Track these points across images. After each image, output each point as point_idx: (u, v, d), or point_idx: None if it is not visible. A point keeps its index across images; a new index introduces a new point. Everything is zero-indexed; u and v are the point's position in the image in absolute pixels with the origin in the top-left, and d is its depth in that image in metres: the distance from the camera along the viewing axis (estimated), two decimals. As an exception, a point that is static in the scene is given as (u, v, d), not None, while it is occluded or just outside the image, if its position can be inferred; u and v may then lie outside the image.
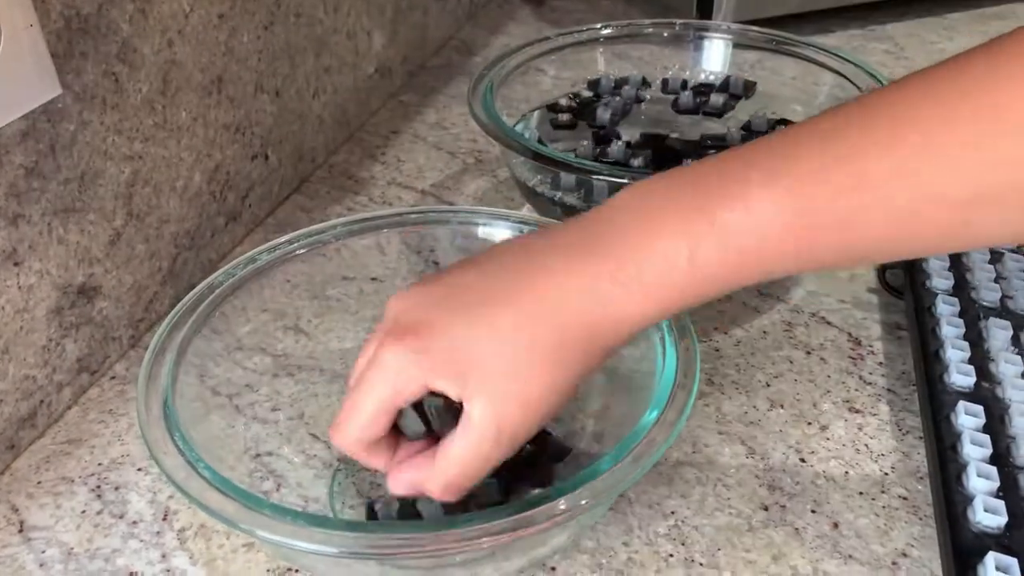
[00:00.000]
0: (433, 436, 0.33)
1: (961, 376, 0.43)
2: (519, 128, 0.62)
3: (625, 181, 0.49)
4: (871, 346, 0.50)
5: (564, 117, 0.64)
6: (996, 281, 0.49)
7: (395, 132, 0.75)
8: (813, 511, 0.40)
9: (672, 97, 0.67)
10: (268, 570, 0.38)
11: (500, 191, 0.66)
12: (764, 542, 0.39)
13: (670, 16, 0.70)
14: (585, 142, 0.60)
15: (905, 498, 0.41)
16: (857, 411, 0.45)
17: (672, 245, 0.30)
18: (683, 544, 0.39)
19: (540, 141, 0.61)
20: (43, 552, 0.39)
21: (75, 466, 0.43)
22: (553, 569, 0.38)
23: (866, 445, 0.43)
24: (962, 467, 0.38)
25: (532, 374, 0.31)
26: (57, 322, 0.44)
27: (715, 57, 0.68)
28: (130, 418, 0.46)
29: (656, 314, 0.31)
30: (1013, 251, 0.52)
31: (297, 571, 0.38)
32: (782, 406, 0.46)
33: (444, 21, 0.91)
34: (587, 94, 0.67)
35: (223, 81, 0.55)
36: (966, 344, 0.44)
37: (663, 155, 0.58)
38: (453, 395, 0.31)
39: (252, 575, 0.38)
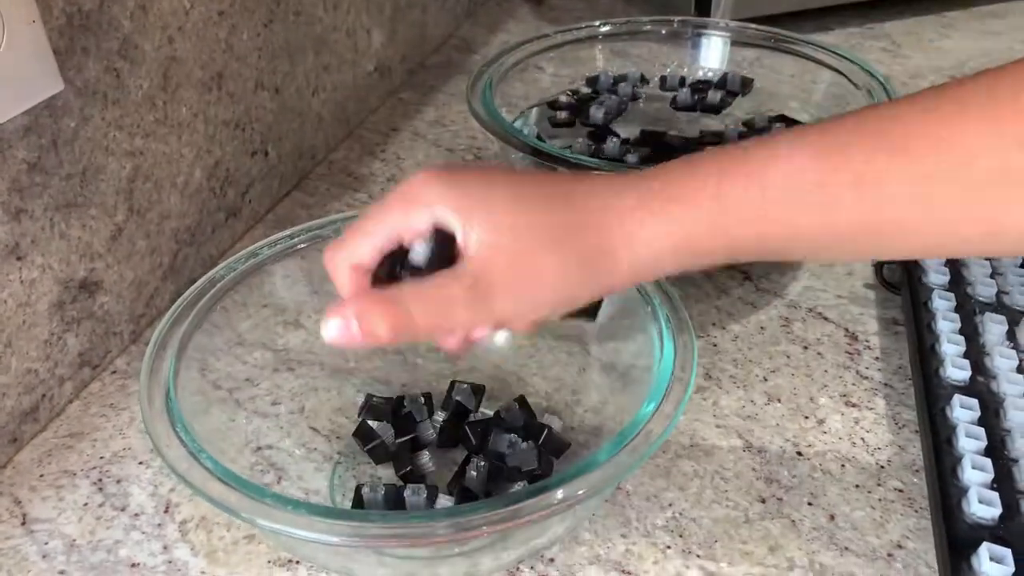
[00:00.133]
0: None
1: (957, 370, 0.43)
2: (518, 125, 0.62)
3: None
4: (868, 341, 0.50)
5: (562, 115, 0.64)
6: (992, 277, 0.49)
7: (394, 129, 0.75)
8: (810, 503, 0.40)
9: (670, 94, 0.67)
10: (269, 561, 0.38)
11: (499, 188, 0.66)
12: (761, 534, 0.39)
13: (669, 14, 0.71)
14: (581, 139, 0.60)
15: (901, 490, 0.41)
16: (853, 405, 0.46)
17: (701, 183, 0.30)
18: (681, 536, 0.39)
19: (539, 137, 0.61)
20: (46, 544, 0.39)
21: (77, 459, 0.44)
22: (552, 560, 0.38)
23: (862, 439, 0.44)
24: (957, 459, 0.39)
25: (534, 242, 0.30)
26: (59, 316, 0.45)
27: (713, 54, 0.68)
28: (131, 412, 0.46)
29: (670, 247, 0.30)
30: (1009, 247, 0.52)
31: (297, 562, 0.38)
32: (779, 400, 0.46)
33: (443, 19, 0.91)
34: (586, 91, 0.67)
35: (223, 78, 0.55)
36: (962, 339, 0.45)
37: (661, 151, 0.59)
38: (457, 229, 0.30)
39: (253, 566, 0.38)
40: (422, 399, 0.43)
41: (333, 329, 0.32)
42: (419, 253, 0.32)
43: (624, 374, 0.42)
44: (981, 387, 0.43)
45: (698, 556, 0.38)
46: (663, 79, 0.68)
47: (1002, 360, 0.43)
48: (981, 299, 0.48)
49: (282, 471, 0.40)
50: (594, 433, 0.42)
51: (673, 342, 0.37)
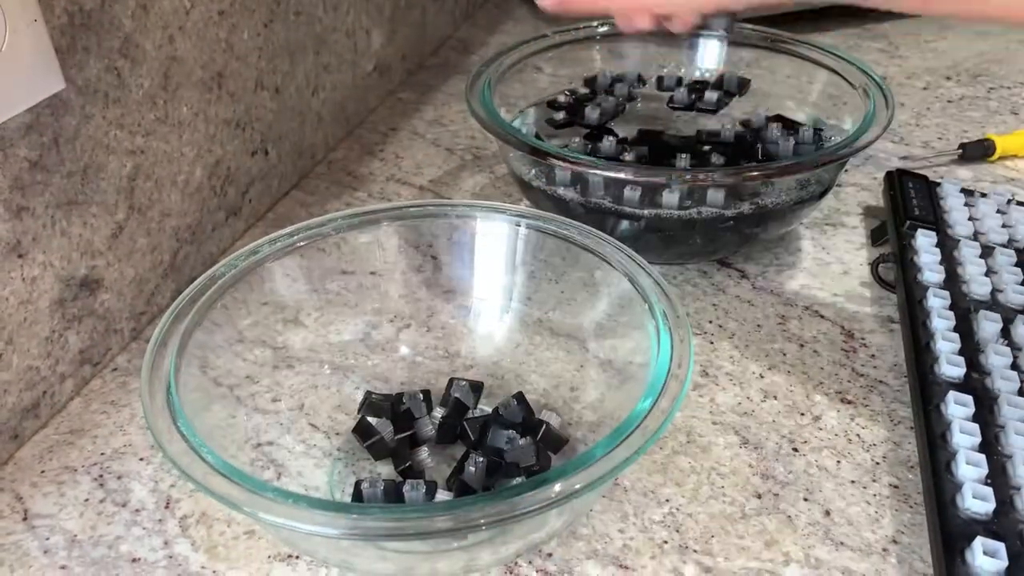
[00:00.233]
0: None
1: (951, 367, 0.43)
2: (516, 123, 0.63)
3: (621, 176, 0.50)
4: (863, 339, 0.50)
5: (560, 116, 0.64)
6: (987, 275, 0.50)
7: (394, 129, 0.76)
8: (805, 499, 0.41)
9: (668, 94, 0.67)
10: (269, 556, 0.39)
11: (498, 187, 0.67)
12: (757, 529, 0.39)
13: (666, 14, 0.71)
14: (577, 139, 0.60)
15: (896, 486, 0.41)
16: (849, 402, 0.46)
17: None
18: (677, 531, 0.39)
19: (537, 136, 0.61)
20: (47, 539, 0.40)
21: (78, 456, 0.44)
22: (550, 555, 0.38)
23: (858, 435, 0.44)
24: (951, 455, 0.39)
25: None
26: (60, 314, 0.45)
27: (710, 55, 0.68)
28: (132, 409, 0.47)
29: None
30: (1003, 246, 0.53)
31: (297, 557, 0.39)
32: (775, 397, 0.46)
33: (442, 20, 0.92)
34: (584, 91, 0.67)
35: (223, 77, 0.56)
36: (956, 336, 0.45)
37: (658, 150, 0.59)
38: None
39: (253, 561, 0.39)
40: (421, 396, 0.43)
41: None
42: None
43: (621, 370, 0.43)
44: (975, 384, 0.43)
45: (695, 551, 0.38)
46: (660, 79, 0.68)
47: (996, 357, 0.44)
48: (976, 297, 0.49)
49: (282, 467, 0.41)
50: (592, 429, 0.43)
51: (670, 339, 0.37)
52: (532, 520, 0.32)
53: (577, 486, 0.31)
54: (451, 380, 0.44)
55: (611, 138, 0.57)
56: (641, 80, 0.68)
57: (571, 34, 0.68)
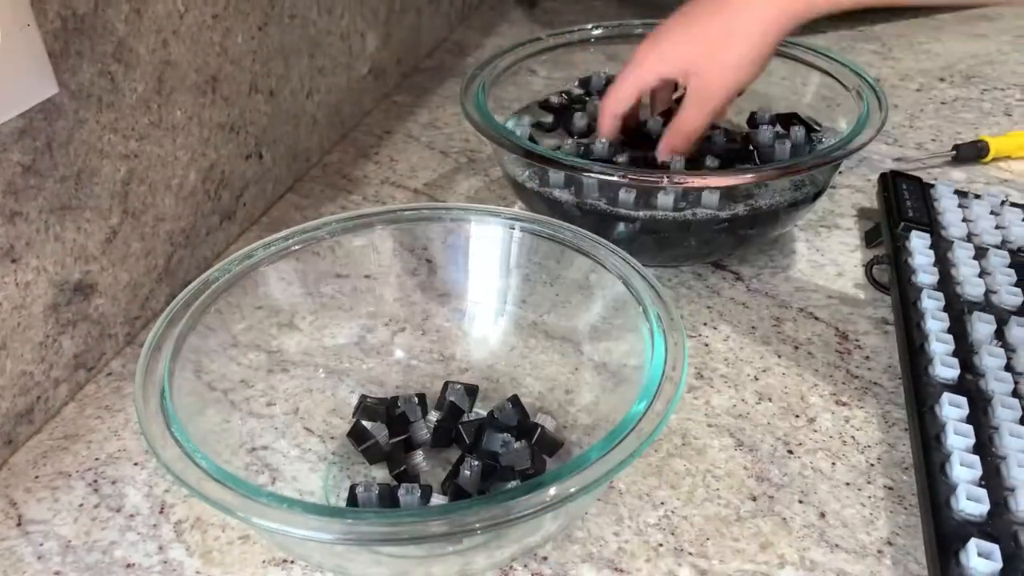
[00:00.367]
0: None
1: (945, 368, 0.43)
2: (510, 125, 0.63)
3: (614, 178, 0.50)
4: (858, 340, 0.50)
5: (547, 120, 0.64)
6: (980, 276, 0.50)
7: (388, 132, 0.76)
8: (800, 501, 0.41)
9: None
10: (264, 561, 0.39)
11: (492, 189, 0.67)
12: (752, 531, 0.39)
13: (661, 17, 0.71)
14: (570, 140, 0.60)
15: (890, 488, 0.41)
16: (844, 404, 0.46)
17: None
18: (673, 534, 0.39)
19: (531, 139, 0.61)
20: (41, 545, 0.39)
21: (72, 461, 0.44)
22: (545, 558, 0.38)
23: (852, 437, 0.44)
24: (946, 457, 0.39)
25: (734, 48, 0.50)
26: (54, 319, 0.45)
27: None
28: (126, 414, 0.47)
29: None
30: (997, 247, 0.53)
31: (292, 562, 0.39)
32: (770, 399, 0.47)
33: (437, 23, 0.92)
34: (578, 92, 0.67)
35: (218, 81, 0.56)
36: (950, 337, 0.45)
37: (651, 150, 0.59)
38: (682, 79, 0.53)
39: (248, 566, 0.38)
40: (416, 400, 0.43)
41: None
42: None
43: (616, 373, 0.43)
44: (970, 385, 0.43)
45: (690, 554, 0.38)
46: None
47: (990, 358, 0.44)
48: (969, 298, 0.49)
49: (277, 472, 0.41)
50: (587, 432, 0.43)
51: (664, 341, 0.37)
52: (527, 524, 0.32)
53: (572, 490, 0.31)
54: (446, 383, 0.44)
55: (603, 141, 0.57)
56: None
57: (565, 37, 0.68)
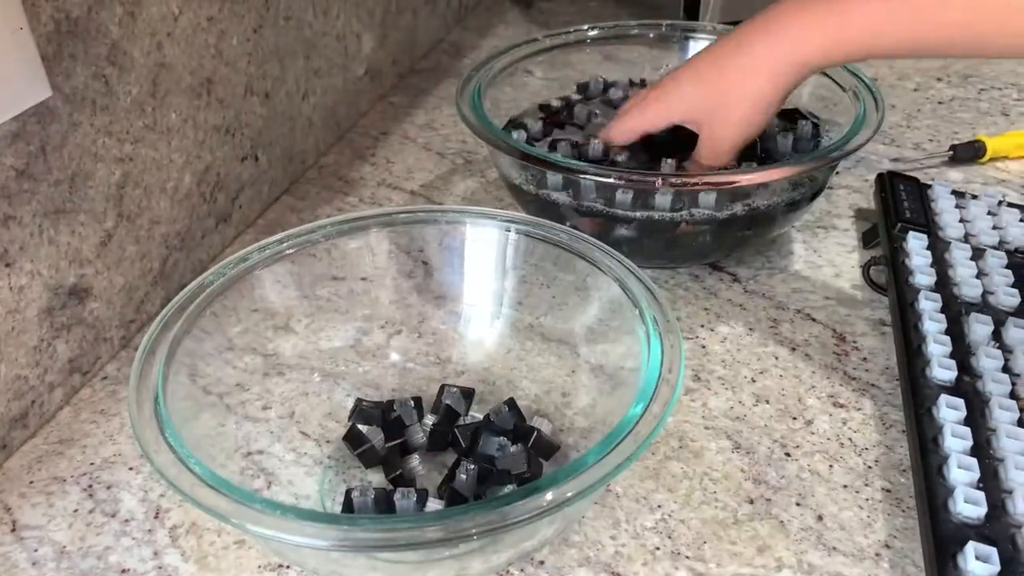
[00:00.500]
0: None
1: (943, 370, 0.43)
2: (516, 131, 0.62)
3: (611, 181, 0.50)
4: (855, 342, 0.50)
5: (536, 127, 0.63)
6: (977, 277, 0.50)
7: (385, 133, 0.75)
8: (798, 504, 0.41)
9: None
10: (259, 566, 0.38)
11: (489, 191, 0.67)
12: (750, 534, 0.39)
13: (658, 17, 0.71)
14: (564, 142, 0.60)
15: (888, 490, 0.41)
16: (841, 406, 0.46)
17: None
18: (670, 537, 0.39)
19: (527, 141, 0.61)
20: (36, 551, 0.39)
21: (67, 466, 0.44)
22: (542, 562, 0.38)
23: (850, 439, 0.44)
24: (943, 459, 0.39)
25: (741, 105, 0.50)
26: (48, 323, 0.45)
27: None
28: (121, 418, 0.46)
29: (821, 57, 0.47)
30: (994, 248, 0.53)
31: (287, 567, 0.38)
32: (767, 401, 0.46)
33: (433, 24, 0.92)
34: (576, 97, 0.67)
35: (213, 83, 0.55)
36: (948, 339, 0.45)
37: (648, 150, 0.59)
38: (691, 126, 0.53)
39: (243, 571, 0.38)
40: (412, 403, 0.43)
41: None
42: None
43: (612, 376, 0.43)
44: (967, 387, 0.43)
45: (687, 557, 0.38)
46: (643, 81, 0.68)
47: (988, 360, 0.44)
48: (967, 300, 0.49)
49: (272, 476, 0.41)
50: (584, 435, 0.42)
51: (660, 344, 0.37)
52: (524, 529, 0.32)
53: (569, 494, 0.31)
54: (442, 387, 0.44)
55: (597, 142, 0.57)
56: (633, 84, 0.68)
57: (562, 38, 0.68)
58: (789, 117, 0.61)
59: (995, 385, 0.42)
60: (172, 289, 0.54)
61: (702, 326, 0.52)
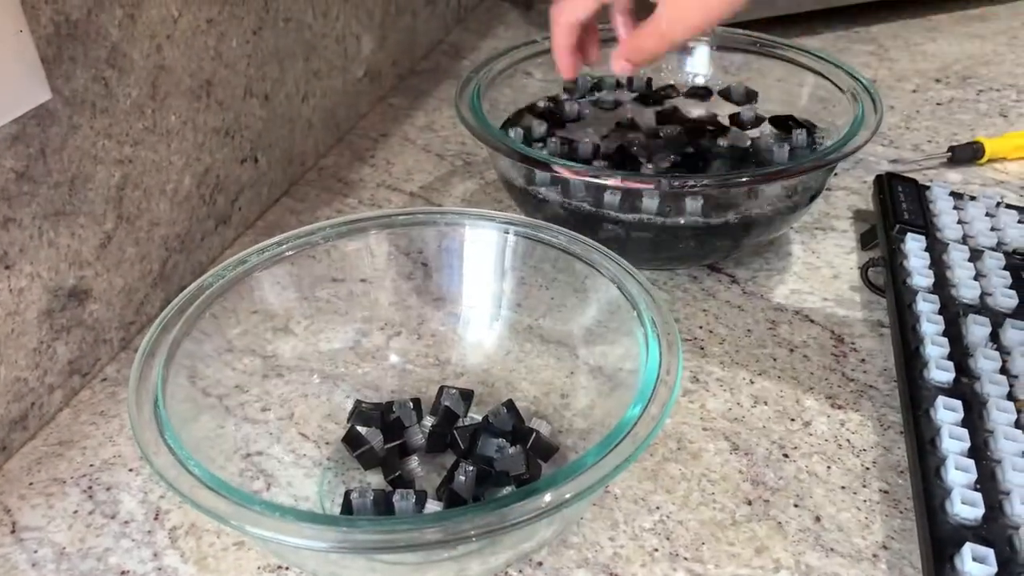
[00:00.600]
0: None
1: (941, 372, 0.43)
2: (511, 131, 0.63)
3: (611, 182, 0.50)
4: (853, 343, 0.50)
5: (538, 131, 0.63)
6: (975, 279, 0.50)
7: (384, 135, 0.76)
8: (796, 505, 0.41)
9: (665, 100, 0.67)
10: (259, 567, 0.39)
11: (488, 193, 0.67)
12: (747, 535, 0.39)
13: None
14: (554, 140, 0.60)
15: (886, 492, 0.41)
16: (839, 407, 0.46)
17: None
18: (668, 538, 0.39)
19: (526, 142, 0.61)
20: (35, 552, 0.39)
21: (67, 467, 0.44)
22: (540, 564, 0.38)
23: (848, 440, 0.44)
24: (941, 461, 0.39)
25: None
26: (48, 324, 0.45)
27: (700, 59, 0.68)
28: (121, 420, 0.47)
29: None
30: (992, 249, 0.53)
31: (287, 569, 0.38)
32: (765, 403, 0.46)
33: (433, 25, 0.92)
34: (564, 97, 0.67)
35: (212, 85, 0.55)
36: (945, 340, 0.45)
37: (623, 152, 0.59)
38: None
39: (243, 573, 0.38)
40: (411, 404, 0.43)
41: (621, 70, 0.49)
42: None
43: (611, 377, 0.43)
44: (965, 388, 0.43)
45: (685, 558, 0.38)
46: (629, 81, 0.68)
47: (985, 361, 0.44)
48: (965, 301, 0.49)
49: (271, 477, 0.41)
50: (582, 436, 0.43)
51: (658, 345, 0.37)
52: (522, 530, 0.32)
53: (567, 495, 0.31)
54: (441, 388, 0.44)
55: (587, 141, 0.57)
56: (620, 85, 0.68)
57: (561, 39, 0.68)
58: (783, 125, 0.62)
59: (993, 386, 0.42)
60: (172, 291, 0.54)
61: (700, 327, 0.52)
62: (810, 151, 0.58)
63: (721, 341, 0.51)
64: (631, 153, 0.59)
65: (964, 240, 0.54)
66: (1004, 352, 0.45)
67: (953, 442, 0.39)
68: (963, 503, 0.37)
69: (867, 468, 0.42)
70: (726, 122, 0.64)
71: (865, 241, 0.59)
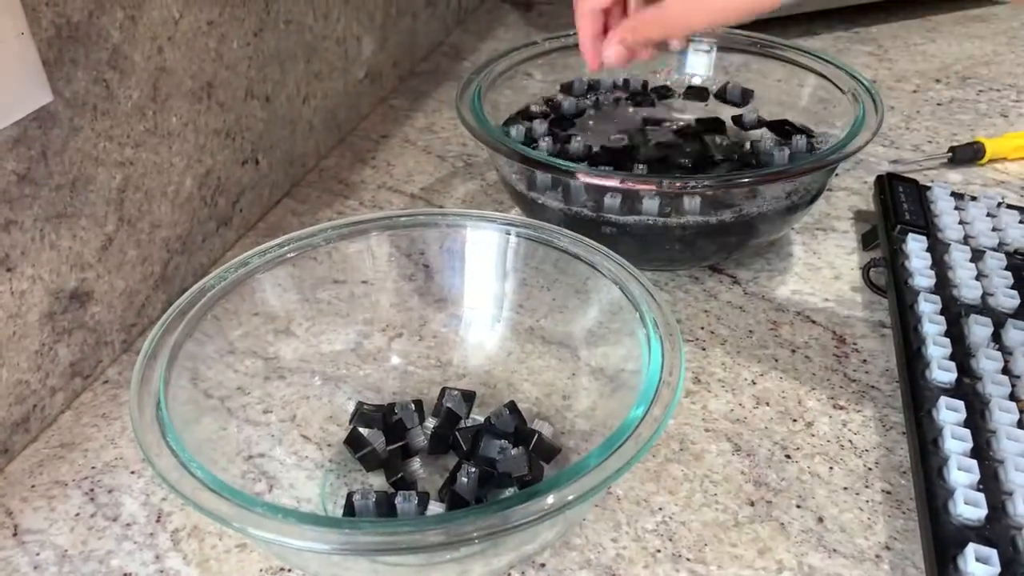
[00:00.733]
0: None
1: (943, 372, 0.43)
2: (511, 130, 0.63)
3: (611, 184, 0.50)
4: (855, 344, 0.50)
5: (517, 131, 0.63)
6: (977, 279, 0.50)
7: (385, 136, 0.76)
8: (798, 506, 0.41)
9: (667, 98, 0.68)
10: (261, 569, 0.38)
11: (489, 194, 0.67)
12: (750, 537, 0.39)
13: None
14: (546, 139, 0.60)
15: (888, 492, 0.41)
16: (841, 408, 0.46)
17: None
18: (671, 540, 0.39)
19: (526, 143, 0.61)
20: (37, 555, 0.39)
21: (68, 470, 0.44)
22: (543, 565, 0.38)
23: (850, 441, 0.44)
24: (943, 461, 0.39)
25: None
26: (50, 327, 0.45)
27: (700, 60, 0.68)
28: (123, 422, 0.47)
29: None
30: (993, 249, 0.53)
31: (290, 570, 0.38)
32: (768, 404, 0.46)
33: (433, 26, 0.92)
34: (560, 98, 0.67)
35: (213, 87, 0.55)
36: (947, 341, 0.45)
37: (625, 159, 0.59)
38: None
39: (245, 575, 0.38)
40: (413, 406, 0.43)
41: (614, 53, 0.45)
42: None
43: (613, 378, 0.43)
44: (967, 389, 0.43)
45: (688, 560, 0.38)
46: (625, 82, 0.68)
47: (987, 362, 0.44)
48: (966, 301, 0.49)
49: (273, 479, 0.41)
50: (584, 438, 0.43)
51: (660, 346, 0.37)
52: (525, 532, 0.32)
53: (570, 497, 0.31)
54: (443, 390, 0.44)
55: (578, 139, 0.56)
56: (616, 86, 0.68)
57: (561, 41, 0.68)
58: (780, 130, 0.62)
59: (995, 387, 0.42)
60: (173, 293, 0.54)
61: (702, 328, 0.52)
62: (809, 153, 0.58)
63: (723, 342, 0.51)
64: (631, 154, 0.59)
65: (965, 240, 0.54)
66: (1006, 352, 0.45)
67: (955, 442, 0.39)
68: (966, 504, 0.37)
69: (869, 469, 0.42)
70: (727, 123, 0.64)
71: (866, 242, 0.59)
